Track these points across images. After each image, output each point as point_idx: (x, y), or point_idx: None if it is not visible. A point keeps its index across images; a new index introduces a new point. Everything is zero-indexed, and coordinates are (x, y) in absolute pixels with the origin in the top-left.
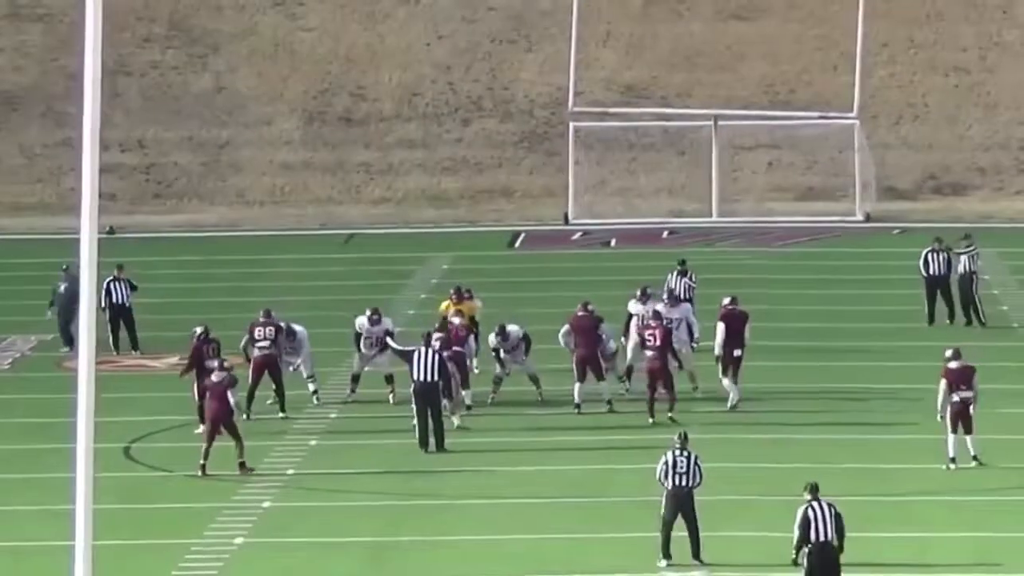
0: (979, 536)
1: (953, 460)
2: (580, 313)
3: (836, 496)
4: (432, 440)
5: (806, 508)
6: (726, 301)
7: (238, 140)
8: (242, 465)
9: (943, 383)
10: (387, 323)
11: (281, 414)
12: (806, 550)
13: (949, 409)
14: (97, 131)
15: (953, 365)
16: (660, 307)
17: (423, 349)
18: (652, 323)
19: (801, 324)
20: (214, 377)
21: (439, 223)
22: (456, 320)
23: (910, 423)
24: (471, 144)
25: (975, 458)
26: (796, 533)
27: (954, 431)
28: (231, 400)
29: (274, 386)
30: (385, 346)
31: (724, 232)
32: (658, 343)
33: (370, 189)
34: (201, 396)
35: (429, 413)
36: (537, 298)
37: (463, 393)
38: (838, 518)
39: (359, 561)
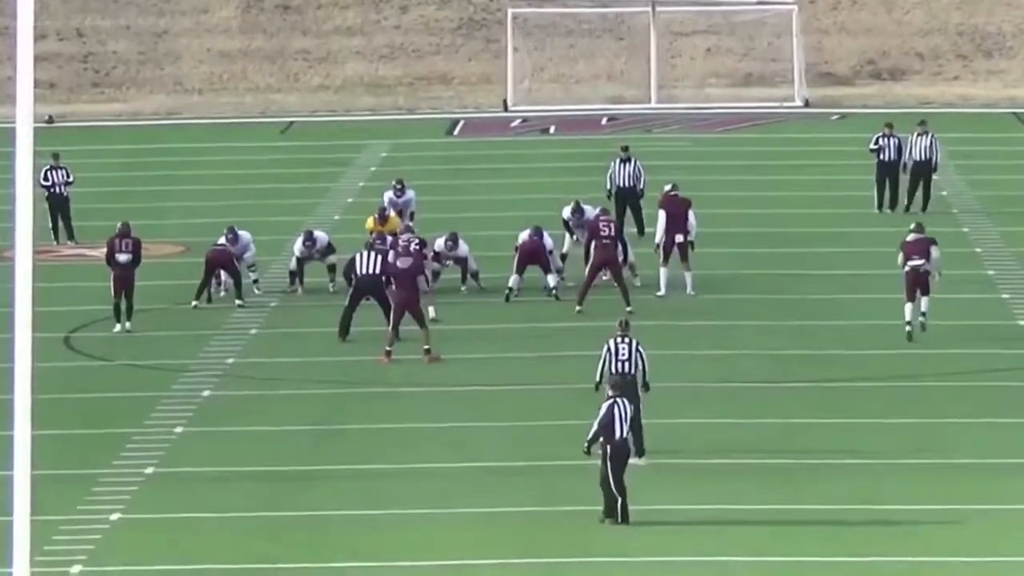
0: (916, 423)
1: (909, 323)
2: (534, 236)
3: (776, 383)
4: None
5: (612, 404)
6: (667, 188)
7: (176, 28)
8: (428, 351)
9: (900, 255)
10: (322, 241)
11: (238, 302)
12: (601, 445)
13: (905, 278)
14: (32, 19)
15: (911, 237)
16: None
17: (364, 250)
18: (603, 217)
19: (743, 210)
20: (400, 263)
21: (377, 110)
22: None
23: (853, 309)
24: (409, 31)
25: (923, 314)
26: (595, 427)
27: (910, 299)
28: (419, 283)
29: (232, 279)
30: (329, 251)
31: (663, 118)
32: (612, 233)
33: (308, 77)
34: (117, 294)
35: (379, 305)
36: (476, 185)
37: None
38: (635, 418)
39: (300, 449)
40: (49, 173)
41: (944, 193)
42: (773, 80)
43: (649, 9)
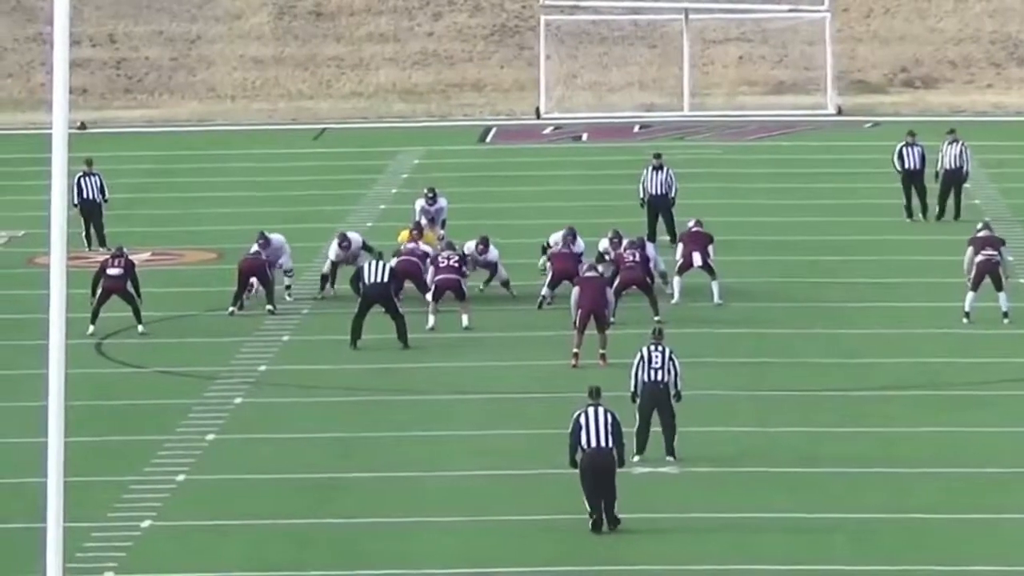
0: (947, 431)
1: (967, 315)
2: (564, 251)
3: (807, 391)
4: (398, 337)
5: (580, 413)
6: (690, 224)
7: (209, 34)
8: (603, 356)
9: (969, 249)
10: (357, 242)
11: (269, 307)
12: (579, 455)
13: (974, 269)
14: (67, 26)
15: (981, 234)
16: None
17: (371, 261)
18: (630, 248)
19: (774, 218)
20: (589, 273)
21: (410, 117)
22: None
23: (884, 317)
24: (442, 38)
25: (1005, 315)
26: (569, 438)
27: (974, 289)
28: (608, 295)
29: (264, 289)
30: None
31: (695, 126)
32: (637, 260)
33: (341, 83)
34: (101, 301)
35: (387, 312)
36: (508, 192)
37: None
38: (615, 425)
39: (330, 456)
40: (82, 180)
41: (976, 201)
42: (806, 88)
43: (682, 17)
